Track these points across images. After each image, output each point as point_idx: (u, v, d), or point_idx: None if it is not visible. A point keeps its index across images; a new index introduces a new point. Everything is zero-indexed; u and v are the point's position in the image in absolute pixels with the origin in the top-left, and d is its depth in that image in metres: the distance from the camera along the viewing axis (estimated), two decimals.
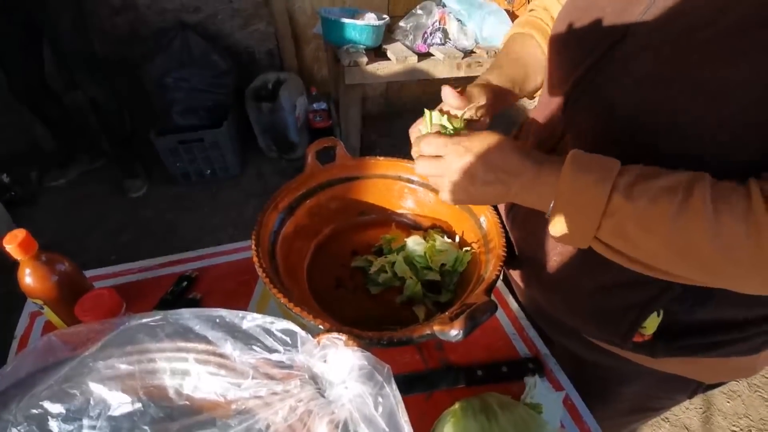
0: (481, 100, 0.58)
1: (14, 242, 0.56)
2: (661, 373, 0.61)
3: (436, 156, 0.52)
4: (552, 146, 0.59)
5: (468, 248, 0.72)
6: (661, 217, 0.40)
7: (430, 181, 0.55)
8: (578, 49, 0.52)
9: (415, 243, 0.73)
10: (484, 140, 0.49)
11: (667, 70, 0.42)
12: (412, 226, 0.82)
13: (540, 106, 0.64)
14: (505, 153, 0.48)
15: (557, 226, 0.46)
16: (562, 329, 0.68)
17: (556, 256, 0.60)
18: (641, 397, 0.69)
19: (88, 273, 0.78)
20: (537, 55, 0.68)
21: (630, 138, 0.46)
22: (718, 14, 0.38)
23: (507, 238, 0.67)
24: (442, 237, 0.75)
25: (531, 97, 0.71)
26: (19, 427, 0.33)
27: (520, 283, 0.72)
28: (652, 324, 0.54)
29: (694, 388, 0.64)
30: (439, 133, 0.53)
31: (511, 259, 0.70)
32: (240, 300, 0.76)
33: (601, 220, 0.43)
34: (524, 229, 0.66)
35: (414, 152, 0.56)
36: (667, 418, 1.51)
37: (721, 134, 0.40)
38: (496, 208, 0.72)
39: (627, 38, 0.46)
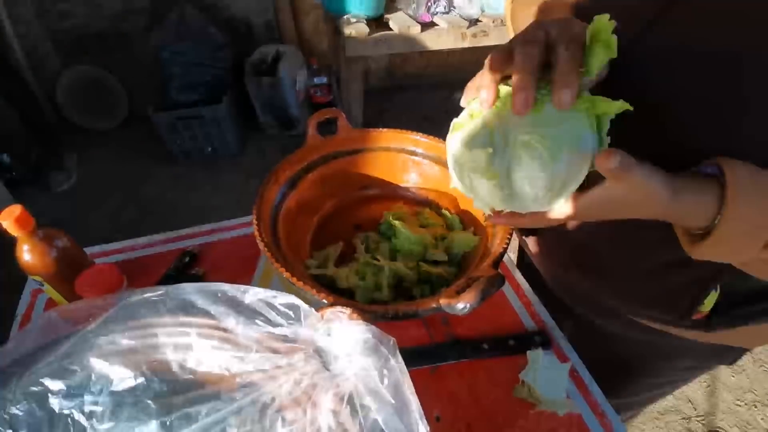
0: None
1: (10, 218, 0.55)
2: (710, 345, 0.59)
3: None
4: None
5: (470, 230, 0.70)
6: None
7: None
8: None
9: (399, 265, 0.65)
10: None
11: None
12: (416, 201, 0.80)
13: None
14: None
15: (707, 250, 0.39)
16: (596, 308, 0.65)
17: (605, 240, 0.55)
18: (681, 370, 0.68)
19: (90, 250, 0.77)
20: None
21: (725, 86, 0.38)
22: None
23: None
24: (433, 248, 0.68)
25: None
26: (18, 406, 0.33)
27: (542, 259, 0.68)
28: (710, 300, 0.51)
29: (736, 355, 0.62)
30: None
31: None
32: (243, 276, 0.75)
33: None
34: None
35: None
36: None
37: None
38: None
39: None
